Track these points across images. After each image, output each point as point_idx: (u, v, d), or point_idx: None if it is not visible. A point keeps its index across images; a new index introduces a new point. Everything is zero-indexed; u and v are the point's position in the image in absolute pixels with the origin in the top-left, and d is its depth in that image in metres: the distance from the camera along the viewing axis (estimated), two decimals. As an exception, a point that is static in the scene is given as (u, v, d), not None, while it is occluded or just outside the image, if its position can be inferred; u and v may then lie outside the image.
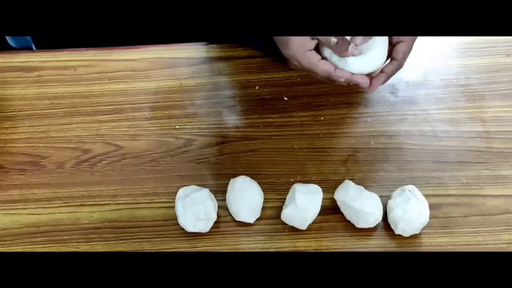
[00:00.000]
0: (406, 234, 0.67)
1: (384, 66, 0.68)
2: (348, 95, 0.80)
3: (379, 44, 0.67)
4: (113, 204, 0.73)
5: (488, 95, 0.79)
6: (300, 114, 0.79)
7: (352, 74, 0.66)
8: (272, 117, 0.79)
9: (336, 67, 0.67)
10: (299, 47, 0.65)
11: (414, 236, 0.68)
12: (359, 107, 0.79)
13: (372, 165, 0.74)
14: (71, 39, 0.89)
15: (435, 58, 0.84)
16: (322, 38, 0.65)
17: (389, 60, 0.69)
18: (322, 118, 0.78)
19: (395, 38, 0.67)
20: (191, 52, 0.86)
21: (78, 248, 0.70)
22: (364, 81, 0.66)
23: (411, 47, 0.68)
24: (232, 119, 0.79)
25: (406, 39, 0.66)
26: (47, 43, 0.94)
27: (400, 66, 0.68)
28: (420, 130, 0.77)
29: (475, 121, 0.77)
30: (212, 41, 0.86)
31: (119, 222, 0.71)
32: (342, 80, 0.66)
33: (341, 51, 0.65)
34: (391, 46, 0.68)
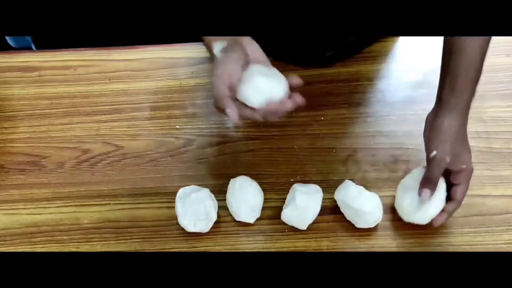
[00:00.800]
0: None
1: (445, 205, 0.68)
2: (348, 95, 0.80)
3: (440, 193, 0.68)
4: (113, 204, 0.73)
5: (488, 95, 0.79)
6: (300, 114, 0.79)
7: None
8: (272, 117, 0.79)
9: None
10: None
11: (414, 236, 0.68)
12: (359, 107, 0.79)
13: (372, 165, 0.74)
14: (71, 39, 0.89)
15: (435, 58, 0.83)
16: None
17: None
18: (322, 118, 0.78)
19: (453, 180, 0.68)
20: (191, 52, 0.86)
21: (78, 248, 0.70)
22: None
23: (468, 187, 0.68)
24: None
25: (463, 181, 0.67)
26: (47, 43, 0.94)
27: (459, 206, 0.68)
28: (420, 130, 0.77)
29: (475, 121, 0.77)
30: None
31: (119, 222, 0.71)
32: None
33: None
34: (450, 186, 0.69)
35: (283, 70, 0.82)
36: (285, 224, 0.69)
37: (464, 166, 0.67)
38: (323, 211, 0.69)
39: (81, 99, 0.82)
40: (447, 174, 0.68)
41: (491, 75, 0.81)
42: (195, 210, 0.68)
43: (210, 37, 0.65)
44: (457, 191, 0.68)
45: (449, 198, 0.68)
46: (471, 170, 0.68)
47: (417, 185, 0.67)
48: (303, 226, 0.68)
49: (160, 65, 0.84)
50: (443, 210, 0.68)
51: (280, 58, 0.83)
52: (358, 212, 0.67)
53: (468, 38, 0.64)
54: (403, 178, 0.72)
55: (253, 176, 0.72)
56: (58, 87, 0.83)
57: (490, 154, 0.74)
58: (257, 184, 0.71)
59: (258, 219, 0.70)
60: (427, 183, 0.67)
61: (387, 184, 0.72)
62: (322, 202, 0.69)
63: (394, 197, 0.71)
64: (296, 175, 0.74)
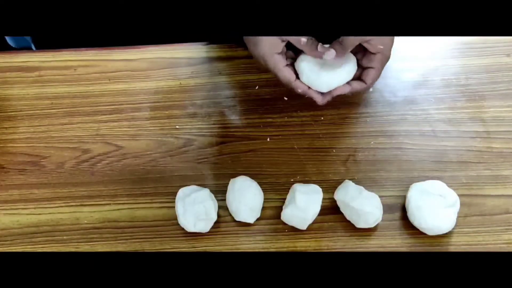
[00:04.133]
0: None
1: (353, 82, 0.69)
2: (348, 95, 0.80)
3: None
4: (113, 204, 0.73)
5: (488, 95, 0.79)
6: (300, 114, 0.79)
7: (309, 88, 0.69)
8: (272, 117, 0.79)
9: (296, 78, 0.69)
10: (269, 49, 0.67)
11: (414, 236, 0.68)
12: (359, 107, 0.79)
13: (372, 165, 0.74)
14: (71, 39, 0.89)
15: (435, 58, 0.83)
16: (292, 38, 0.66)
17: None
18: (322, 118, 0.78)
19: (365, 63, 0.69)
20: (191, 52, 0.85)
21: (78, 248, 0.70)
22: (318, 98, 0.69)
23: (380, 73, 0.69)
24: (232, 119, 0.79)
25: (376, 66, 0.68)
26: (47, 43, 0.94)
27: (367, 89, 0.71)
28: (420, 130, 0.77)
29: (475, 121, 0.77)
30: (212, 41, 0.86)
31: (119, 222, 0.71)
32: (299, 90, 0.69)
33: (311, 50, 0.67)
34: (361, 69, 0.70)
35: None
36: (285, 224, 0.69)
37: (381, 47, 0.66)
38: (323, 211, 0.69)
39: (81, 99, 0.82)
40: (361, 57, 0.68)
41: (491, 75, 0.81)
42: (195, 210, 0.68)
43: None
44: (368, 74, 0.68)
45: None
46: (387, 57, 0.68)
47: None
48: (303, 226, 0.68)
49: (160, 65, 0.84)
50: (348, 83, 0.69)
51: None
52: (358, 212, 0.67)
53: None
54: (403, 178, 0.72)
55: (253, 176, 0.72)
56: (58, 87, 0.83)
57: (490, 154, 0.74)
58: (257, 184, 0.71)
59: (258, 219, 0.70)
60: (336, 44, 0.66)
61: (387, 184, 0.72)
62: (322, 202, 0.69)
63: (394, 197, 0.71)
64: (296, 175, 0.74)
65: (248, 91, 0.81)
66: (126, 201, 0.73)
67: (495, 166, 0.73)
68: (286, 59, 0.69)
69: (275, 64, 0.67)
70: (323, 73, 0.68)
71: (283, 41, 0.66)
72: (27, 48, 0.97)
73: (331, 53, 0.66)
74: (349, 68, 0.69)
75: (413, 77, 0.82)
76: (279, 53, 0.67)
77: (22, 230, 0.71)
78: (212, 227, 0.69)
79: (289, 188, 0.71)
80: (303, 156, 0.75)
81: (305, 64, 0.69)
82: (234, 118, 0.79)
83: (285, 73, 0.67)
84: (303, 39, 0.66)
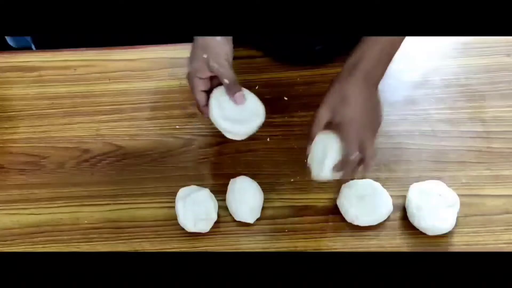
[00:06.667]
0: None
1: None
2: (348, 95, 0.80)
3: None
4: (113, 204, 0.73)
5: (488, 95, 0.79)
6: (300, 114, 0.79)
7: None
8: (272, 117, 0.79)
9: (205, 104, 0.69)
10: (194, 71, 0.67)
11: (414, 236, 0.68)
12: (359, 107, 0.79)
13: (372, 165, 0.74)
14: (71, 39, 0.89)
15: (435, 58, 0.84)
16: (219, 73, 0.67)
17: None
18: (322, 118, 0.78)
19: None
20: (191, 52, 0.85)
21: (78, 248, 0.70)
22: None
23: (373, 141, 0.66)
24: (232, 119, 0.79)
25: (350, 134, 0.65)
26: (47, 43, 0.94)
27: (370, 159, 0.66)
28: (420, 130, 0.77)
29: (475, 121, 0.77)
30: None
31: (119, 222, 0.71)
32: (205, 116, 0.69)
33: (230, 91, 0.67)
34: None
35: (283, 69, 0.83)
36: (285, 224, 0.69)
37: (346, 118, 0.63)
38: (323, 211, 0.69)
39: (81, 99, 0.82)
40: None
41: (491, 75, 0.81)
42: (195, 210, 0.68)
43: None
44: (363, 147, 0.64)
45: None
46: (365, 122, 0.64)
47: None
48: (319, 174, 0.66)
49: (160, 65, 0.84)
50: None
51: (268, 53, 0.83)
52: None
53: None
54: (403, 178, 0.73)
55: (253, 176, 0.72)
56: (58, 87, 0.83)
57: (490, 154, 0.74)
58: (257, 184, 0.71)
59: (258, 219, 0.70)
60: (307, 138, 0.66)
61: (387, 184, 0.72)
62: (322, 202, 0.69)
63: (394, 197, 0.71)
64: (296, 175, 0.74)
65: (248, 91, 0.81)
66: (126, 201, 0.73)
67: (495, 166, 0.73)
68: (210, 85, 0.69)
69: (194, 86, 0.68)
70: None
71: (210, 71, 0.66)
72: (27, 48, 0.97)
73: (241, 100, 0.68)
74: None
75: (413, 77, 0.82)
76: (201, 78, 0.67)
77: (22, 230, 0.71)
78: (212, 227, 0.69)
79: (289, 188, 0.71)
80: (303, 156, 0.75)
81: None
82: (234, 118, 0.79)
83: (198, 97, 0.68)
84: (226, 81, 0.66)
